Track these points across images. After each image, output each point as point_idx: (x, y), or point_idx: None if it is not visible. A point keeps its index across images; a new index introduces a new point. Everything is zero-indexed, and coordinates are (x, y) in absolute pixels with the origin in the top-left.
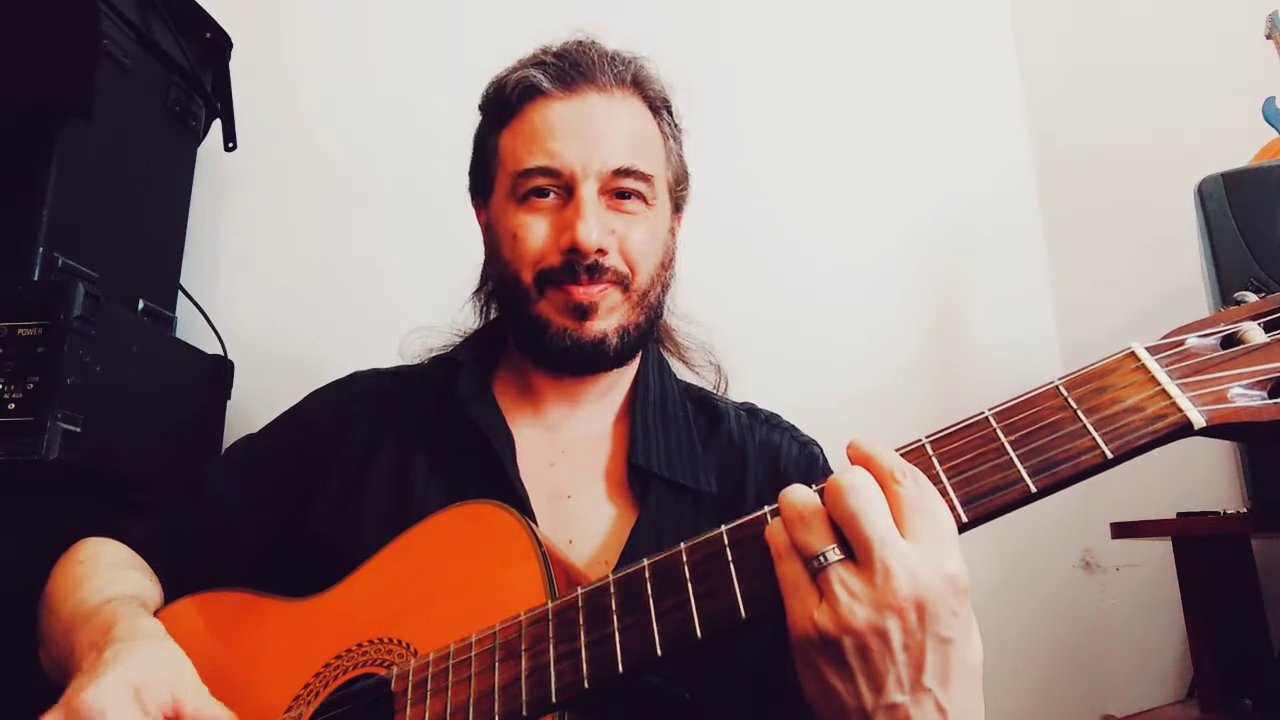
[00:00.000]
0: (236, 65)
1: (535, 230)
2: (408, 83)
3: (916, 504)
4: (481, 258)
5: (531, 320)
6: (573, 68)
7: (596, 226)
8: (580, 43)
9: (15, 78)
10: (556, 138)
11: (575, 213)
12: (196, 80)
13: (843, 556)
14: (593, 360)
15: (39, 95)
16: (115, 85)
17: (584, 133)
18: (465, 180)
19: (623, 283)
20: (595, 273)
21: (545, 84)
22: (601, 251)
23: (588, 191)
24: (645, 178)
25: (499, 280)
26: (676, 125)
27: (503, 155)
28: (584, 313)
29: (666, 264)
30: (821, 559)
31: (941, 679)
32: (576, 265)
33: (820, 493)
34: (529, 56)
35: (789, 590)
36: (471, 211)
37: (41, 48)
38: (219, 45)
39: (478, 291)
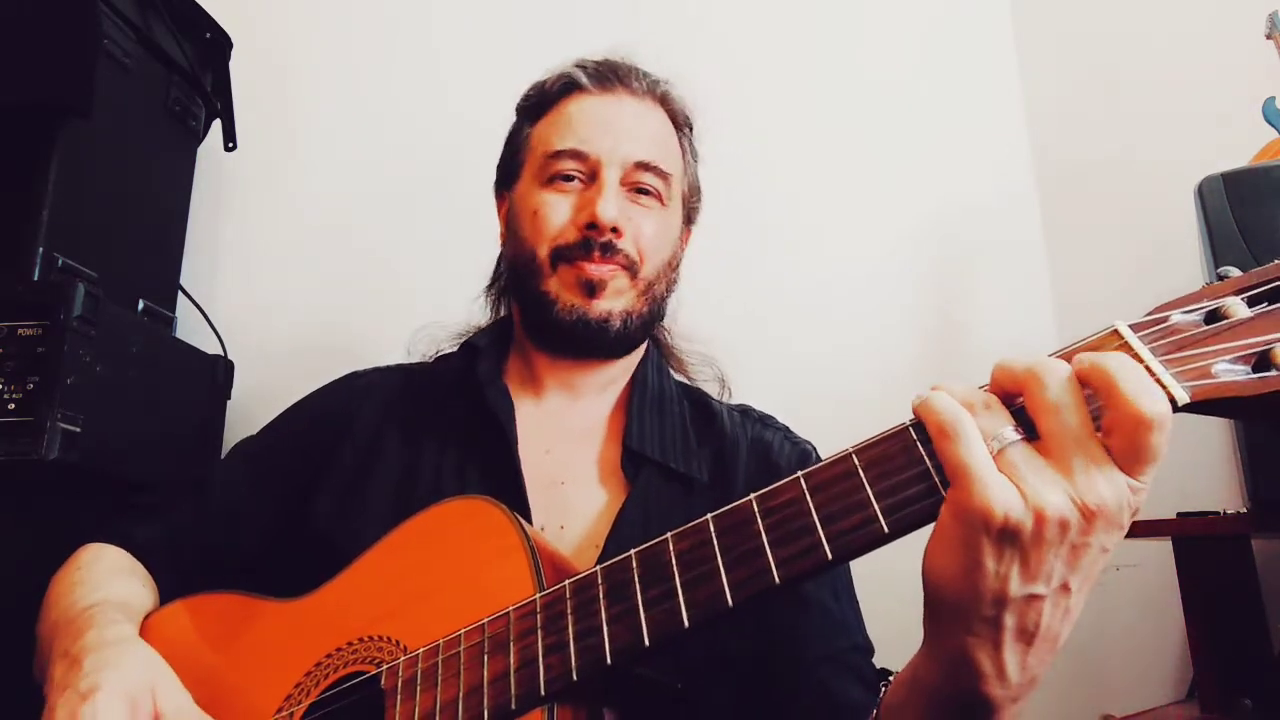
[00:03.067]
0: (236, 65)
1: (557, 209)
2: (408, 83)
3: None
4: (492, 258)
5: (540, 295)
6: (610, 72)
7: (615, 205)
8: (622, 57)
9: (15, 78)
10: (588, 126)
11: (596, 192)
12: (196, 80)
13: (1023, 437)
14: (596, 340)
15: (39, 95)
16: (115, 85)
17: (614, 126)
18: (465, 181)
19: (631, 268)
20: (608, 251)
21: (584, 80)
22: (616, 232)
23: (610, 176)
24: (663, 175)
25: (513, 260)
26: (694, 147)
27: (533, 143)
28: (592, 289)
29: (674, 265)
30: (1000, 438)
31: (1081, 583)
32: (592, 241)
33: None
34: (574, 60)
35: (959, 470)
36: (471, 211)
37: (41, 48)
38: (219, 45)
39: (490, 286)
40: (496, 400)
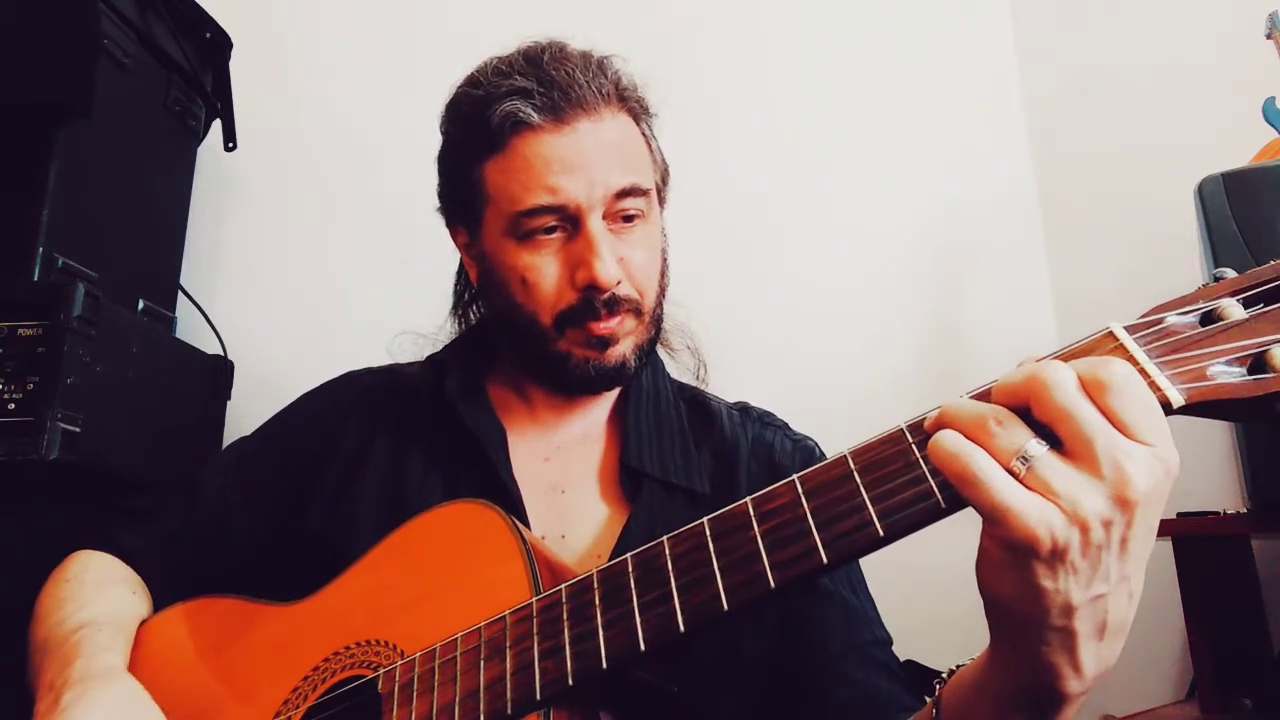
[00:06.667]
0: (236, 65)
1: (547, 272)
2: (407, 83)
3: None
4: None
5: (551, 355)
6: (561, 97)
7: (611, 260)
8: (555, 55)
9: (15, 78)
10: (556, 173)
11: (588, 248)
12: (196, 80)
13: (1049, 448)
14: (614, 381)
15: (39, 95)
16: (115, 85)
17: (582, 164)
18: None
19: (636, 309)
20: (613, 306)
21: (535, 118)
22: (617, 283)
23: (595, 224)
24: (644, 193)
25: (507, 319)
26: (653, 127)
27: (492, 190)
28: (605, 344)
29: (664, 270)
30: (1026, 456)
31: (1137, 565)
32: (595, 301)
33: (983, 396)
34: (501, 73)
35: (994, 511)
36: None
37: (41, 48)
38: (219, 45)
39: (455, 307)
40: (471, 416)
